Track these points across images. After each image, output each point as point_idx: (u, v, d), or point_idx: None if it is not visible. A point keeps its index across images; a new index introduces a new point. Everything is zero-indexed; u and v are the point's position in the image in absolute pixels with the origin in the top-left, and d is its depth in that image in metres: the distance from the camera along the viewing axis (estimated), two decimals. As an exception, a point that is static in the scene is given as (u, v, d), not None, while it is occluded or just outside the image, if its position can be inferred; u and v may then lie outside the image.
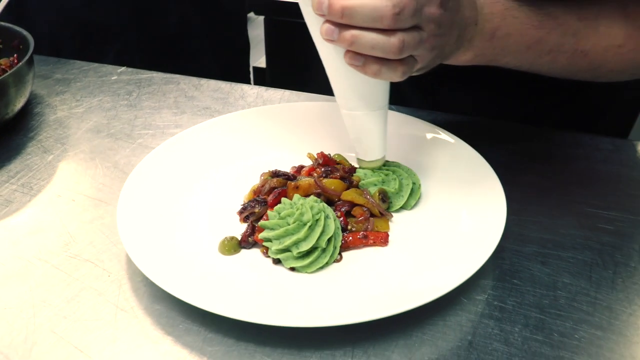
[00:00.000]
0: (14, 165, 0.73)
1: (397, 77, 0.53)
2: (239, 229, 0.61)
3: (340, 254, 0.57)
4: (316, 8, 0.50)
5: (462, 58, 0.62)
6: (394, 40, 0.50)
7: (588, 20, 0.64)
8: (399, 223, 0.61)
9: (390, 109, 0.75)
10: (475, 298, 0.54)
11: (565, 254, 0.58)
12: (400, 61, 0.53)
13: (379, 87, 0.58)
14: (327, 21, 0.51)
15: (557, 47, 0.64)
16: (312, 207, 0.55)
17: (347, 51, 0.52)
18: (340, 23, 0.50)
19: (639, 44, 0.65)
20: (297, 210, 0.55)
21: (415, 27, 0.51)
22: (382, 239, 0.58)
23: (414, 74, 0.57)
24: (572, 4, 0.64)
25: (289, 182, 0.61)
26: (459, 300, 0.54)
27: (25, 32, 0.84)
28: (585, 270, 0.56)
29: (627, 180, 0.69)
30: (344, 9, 0.49)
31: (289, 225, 0.55)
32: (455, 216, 0.60)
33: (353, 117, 0.61)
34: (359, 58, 0.52)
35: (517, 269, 0.57)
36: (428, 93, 0.91)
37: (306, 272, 0.55)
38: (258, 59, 1.79)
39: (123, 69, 0.96)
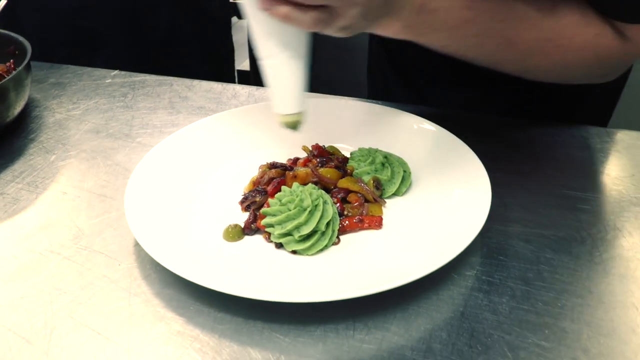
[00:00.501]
0: (18, 166, 0.75)
1: (307, 23, 0.54)
2: (241, 217, 0.64)
3: (338, 237, 0.61)
4: None
5: (391, 27, 0.63)
6: None
7: (518, 10, 0.66)
8: (391, 208, 0.65)
9: (378, 104, 0.79)
10: (465, 274, 0.58)
11: (547, 231, 0.63)
12: (313, 7, 0.54)
13: (294, 35, 0.58)
14: None
15: (485, 31, 0.66)
16: (311, 194, 0.59)
17: None
18: None
19: (565, 42, 0.67)
20: (297, 196, 0.59)
21: None
22: (377, 223, 0.62)
23: (340, 34, 0.58)
24: None
25: (287, 172, 0.65)
26: (450, 276, 0.58)
27: (21, 38, 0.87)
28: (565, 246, 0.61)
29: (600, 164, 0.73)
30: None
31: (290, 210, 0.58)
32: (443, 201, 0.64)
33: (269, 66, 0.61)
34: (269, 1, 0.53)
35: (503, 247, 0.61)
36: (416, 91, 0.95)
37: (307, 255, 0.59)
38: (241, 62, 1.82)
39: (116, 72, 0.99)
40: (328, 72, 1.53)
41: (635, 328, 0.52)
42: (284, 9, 0.53)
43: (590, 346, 0.51)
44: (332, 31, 0.57)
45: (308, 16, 0.54)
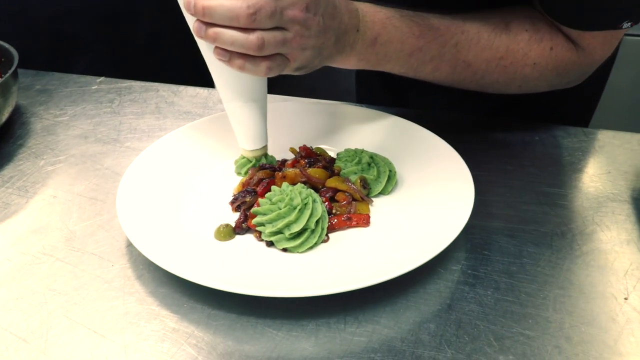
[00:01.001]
0: (7, 171, 0.76)
1: (261, 72, 0.58)
2: (232, 218, 0.65)
3: (327, 235, 0.62)
4: (185, 8, 0.57)
5: (347, 62, 0.67)
6: (252, 37, 0.55)
7: (470, 33, 0.69)
8: (378, 206, 0.67)
9: (363, 107, 0.81)
10: (451, 268, 0.60)
11: (528, 227, 0.65)
12: (265, 58, 0.58)
13: (250, 81, 0.63)
14: (197, 20, 0.56)
15: (439, 56, 0.69)
16: (300, 193, 0.61)
17: (215, 47, 0.58)
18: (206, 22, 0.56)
19: (519, 57, 0.71)
20: (287, 195, 0.60)
21: (279, 28, 0.56)
22: (365, 220, 0.63)
23: (297, 73, 0.62)
24: (456, 18, 0.70)
25: (276, 172, 0.67)
26: (436, 270, 0.59)
27: (7, 45, 0.88)
28: (546, 240, 0.63)
29: (578, 162, 0.76)
30: (204, 9, 0.54)
31: (281, 209, 0.60)
32: (428, 198, 0.66)
33: (231, 109, 0.66)
34: (225, 54, 0.57)
35: (487, 242, 0.63)
36: (401, 96, 0.97)
37: (298, 252, 0.60)
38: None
39: (102, 78, 1.00)
40: (318, 80, 1.55)
41: (615, 317, 0.54)
42: (239, 61, 0.57)
43: (572, 334, 0.53)
44: (288, 72, 0.61)
45: (262, 65, 0.58)
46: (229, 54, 0.57)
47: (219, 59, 0.58)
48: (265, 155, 0.72)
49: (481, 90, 0.75)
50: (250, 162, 0.71)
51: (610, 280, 0.58)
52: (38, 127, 0.86)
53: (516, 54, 0.70)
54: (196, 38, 0.60)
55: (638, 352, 0.51)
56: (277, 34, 0.56)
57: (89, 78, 1.00)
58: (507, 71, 0.71)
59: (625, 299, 0.56)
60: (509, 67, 0.71)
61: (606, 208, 0.67)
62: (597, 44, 0.71)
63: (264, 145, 0.70)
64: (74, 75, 1.00)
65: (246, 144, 0.70)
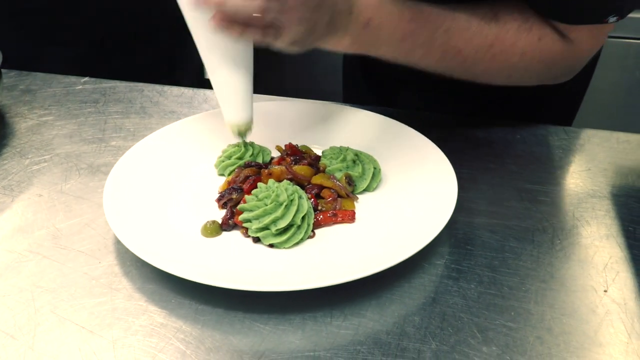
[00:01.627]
0: (-8, 170, 0.76)
1: (259, 37, 0.59)
2: (218, 215, 0.66)
3: (313, 231, 0.63)
4: None
5: (340, 44, 0.67)
6: (255, 3, 0.55)
7: (460, 20, 0.70)
8: (363, 203, 0.68)
9: (348, 106, 0.82)
10: (435, 263, 0.61)
11: (510, 222, 0.66)
12: (263, 25, 0.58)
13: (240, 49, 0.64)
14: None
15: (430, 42, 0.70)
16: (286, 189, 0.61)
17: (216, 14, 0.57)
18: None
19: (508, 46, 0.71)
20: (273, 192, 0.61)
21: None
22: (350, 216, 0.64)
23: (290, 49, 0.63)
24: (446, 6, 0.71)
25: (262, 169, 0.67)
26: (420, 265, 0.60)
27: (-10, 45, 0.88)
28: (528, 235, 0.64)
29: (558, 160, 0.78)
30: None
31: (267, 205, 0.60)
32: (412, 195, 0.67)
33: (217, 79, 0.66)
34: (226, 20, 0.57)
35: (470, 237, 0.64)
36: (386, 95, 0.98)
37: (284, 248, 0.61)
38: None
39: (86, 78, 1.00)
40: (304, 82, 1.56)
41: (595, 308, 0.56)
42: (240, 27, 0.57)
43: (553, 326, 0.54)
44: (281, 46, 0.61)
45: (259, 32, 0.58)
46: (229, 22, 0.57)
47: (219, 25, 0.57)
48: (248, 130, 0.72)
49: (471, 79, 0.75)
50: (233, 163, 0.71)
51: (590, 273, 0.60)
52: (22, 127, 0.86)
53: (505, 42, 0.71)
54: (186, 10, 0.59)
55: (617, 342, 0.52)
56: (277, 3, 0.56)
57: (73, 78, 1.00)
58: (495, 59, 0.72)
59: (605, 291, 0.57)
60: (497, 56, 0.71)
61: (586, 204, 0.69)
62: (584, 37, 0.71)
63: (250, 119, 0.70)
64: (58, 76, 1.00)
65: (233, 116, 0.69)
